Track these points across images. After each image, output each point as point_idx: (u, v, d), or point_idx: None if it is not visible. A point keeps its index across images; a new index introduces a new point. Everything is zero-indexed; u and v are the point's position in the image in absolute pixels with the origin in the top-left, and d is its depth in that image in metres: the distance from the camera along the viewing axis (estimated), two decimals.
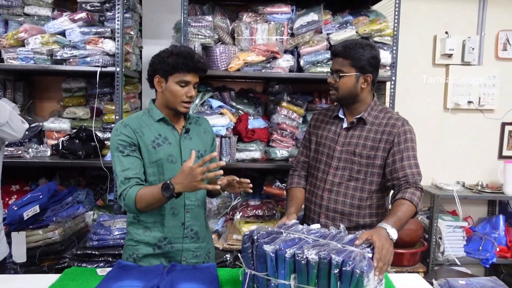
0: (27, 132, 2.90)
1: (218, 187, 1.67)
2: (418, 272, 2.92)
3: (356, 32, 2.78)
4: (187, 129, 1.90)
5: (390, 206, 1.87)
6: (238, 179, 1.79)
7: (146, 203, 1.67)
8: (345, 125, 2.03)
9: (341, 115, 2.06)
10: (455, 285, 1.91)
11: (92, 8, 2.80)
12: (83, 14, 2.72)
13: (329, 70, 2.71)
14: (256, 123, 2.93)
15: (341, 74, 1.92)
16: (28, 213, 2.31)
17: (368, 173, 1.96)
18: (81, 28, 2.72)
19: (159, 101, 1.86)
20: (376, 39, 2.80)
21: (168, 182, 1.60)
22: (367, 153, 1.94)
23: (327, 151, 2.04)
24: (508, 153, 3.79)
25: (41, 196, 2.39)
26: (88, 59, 2.71)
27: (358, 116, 1.99)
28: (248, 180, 1.78)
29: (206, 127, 2.00)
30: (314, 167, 2.10)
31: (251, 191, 1.83)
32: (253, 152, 2.87)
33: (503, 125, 3.77)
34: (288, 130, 2.90)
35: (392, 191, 1.93)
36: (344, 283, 1.31)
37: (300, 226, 1.64)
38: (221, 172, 1.59)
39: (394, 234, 1.59)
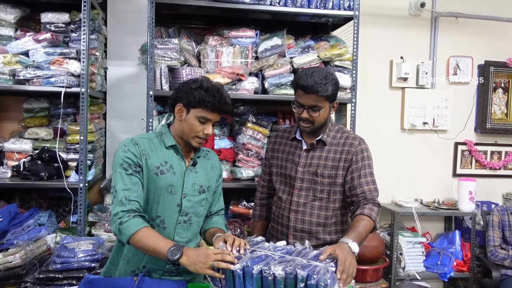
0: None
1: (221, 276, 1.51)
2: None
3: (318, 56, 2.89)
4: (195, 161, 1.83)
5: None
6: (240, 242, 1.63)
7: (142, 248, 1.58)
8: (305, 146, 2.09)
9: (298, 137, 2.12)
10: None
11: (56, 29, 2.80)
12: (47, 35, 2.70)
13: (292, 93, 2.82)
14: (222, 143, 2.97)
15: (321, 111, 1.94)
16: None
17: (331, 192, 2.03)
18: (46, 48, 2.71)
19: (175, 128, 1.80)
20: (337, 63, 2.92)
21: (179, 247, 1.52)
22: (328, 173, 2.02)
23: (289, 172, 2.10)
24: (462, 171, 4.01)
25: (1, 219, 2.32)
26: (52, 79, 2.68)
27: (318, 137, 2.06)
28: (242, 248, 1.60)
29: (214, 162, 1.93)
30: (278, 189, 2.16)
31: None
32: None
33: (456, 144, 3.99)
34: (253, 150, 2.95)
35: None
36: None
37: (267, 243, 1.68)
38: (233, 266, 1.48)
39: (355, 248, 1.67)
